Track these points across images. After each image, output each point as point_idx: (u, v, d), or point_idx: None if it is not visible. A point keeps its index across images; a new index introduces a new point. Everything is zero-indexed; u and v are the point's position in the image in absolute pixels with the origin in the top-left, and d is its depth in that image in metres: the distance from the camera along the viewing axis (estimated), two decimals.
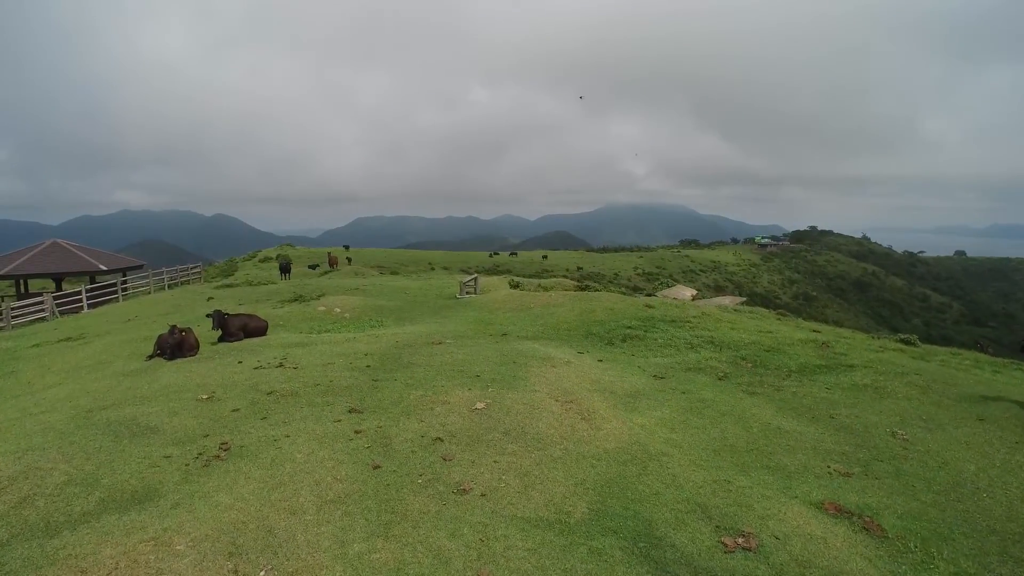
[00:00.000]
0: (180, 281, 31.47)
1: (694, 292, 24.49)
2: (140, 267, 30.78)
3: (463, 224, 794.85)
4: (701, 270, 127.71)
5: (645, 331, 14.92)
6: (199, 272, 33.87)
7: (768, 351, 13.06)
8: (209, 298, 23.21)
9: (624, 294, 22.96)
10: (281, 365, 10.83)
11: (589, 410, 8.61)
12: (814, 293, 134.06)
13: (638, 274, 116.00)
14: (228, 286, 26.41)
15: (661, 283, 27.63)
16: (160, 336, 13.17)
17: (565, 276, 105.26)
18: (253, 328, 15.05)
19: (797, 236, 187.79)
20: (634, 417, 8.74)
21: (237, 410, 8.28)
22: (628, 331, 14.97)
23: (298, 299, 20.27)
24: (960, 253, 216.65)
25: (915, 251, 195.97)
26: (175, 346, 12.55)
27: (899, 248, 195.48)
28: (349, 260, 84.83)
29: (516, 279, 23.07)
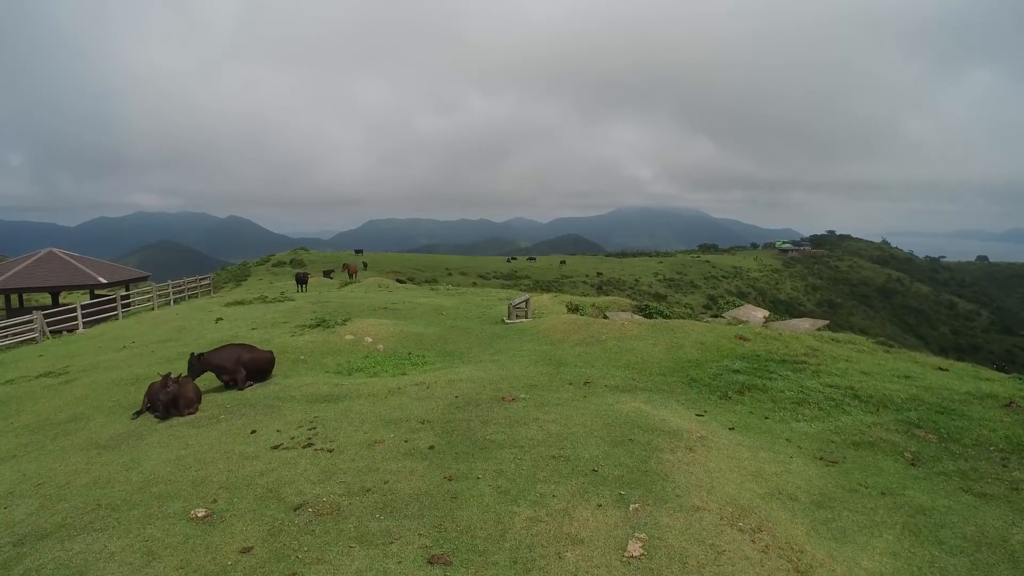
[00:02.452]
0: (188, 294, 28.62)
1: (766, 314, 21.34)
2: (144, 278, 28.03)
3: (475, 227, 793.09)
4: (723, 276, 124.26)
5: (760, 377, 11.79)
6: (208, 284, 31.00)
7: (941, 413, 9.89)
8: (218, 319, 20.33)
9: (698, 318, 19.81)
10: (309, 443, 7.83)
11: (792, 546, 5.53)
12: (838, 300, 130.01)
13: (659, 280, 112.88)
14: (240, 303, 23.53)
15: (727, 303, 24.29)
16: (151, 385, 10.23)
17: (585, 281, 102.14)
18: (253, 363, 11.90)
19: (817, 241, 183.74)
20: (858, 557, 5.63)
21: (248, 550, 5.27)
22: (738, 376, 11.86)
23: (321, 324, 17.30)
24: (982, 258, 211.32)
25: (934, 256, 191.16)
26: (168, 403, 9.61)
27: (917, 252, 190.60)
28: (365, 265, 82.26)
29: (575, 301, 19.91)
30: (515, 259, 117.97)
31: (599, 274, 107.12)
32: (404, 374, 12.87)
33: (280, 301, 23.85)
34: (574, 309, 17.83)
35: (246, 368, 11.80)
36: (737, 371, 12.28)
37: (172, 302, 26.59)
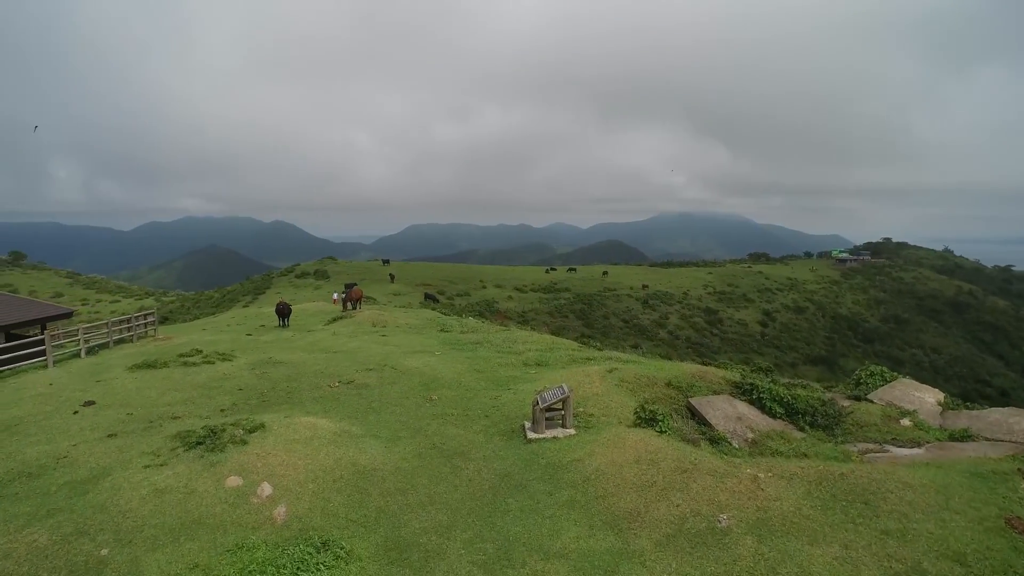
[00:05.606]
0: (114, 339, 21.29)
1: (939, 397, 13.33)
2: (68, 315, 21.32)
3: (514, 231, 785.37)
4: (777, 288, 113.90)
5: None
6: (153, 321, 23.66)
7: None
8: (86, 403, 13.21)
9: (833, 402, 11.81)
10: None
11: None
12: (905, 315, 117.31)
13: (708, 293, 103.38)
14: (150, 366, 16.40)
15: (870, 375, 15.64)
16: None
17: (630, 295, 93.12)
18: None
19: (875, 249, 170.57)
20: None
21: None
22: None
23: (207, 438, 9.92)
24: None
25: (1001, 264, 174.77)
26: None
27: (981, 261, 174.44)
28: (392, 277, 75.22)
29: (643, 388, 11.82)
30: (554, 269, 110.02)
31: (645, 286, 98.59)
32: None
33: (210, 363, 16.67)
34: (648, 419, 9.82)
35: None
36: None
37: (83, 352, 19.44)
